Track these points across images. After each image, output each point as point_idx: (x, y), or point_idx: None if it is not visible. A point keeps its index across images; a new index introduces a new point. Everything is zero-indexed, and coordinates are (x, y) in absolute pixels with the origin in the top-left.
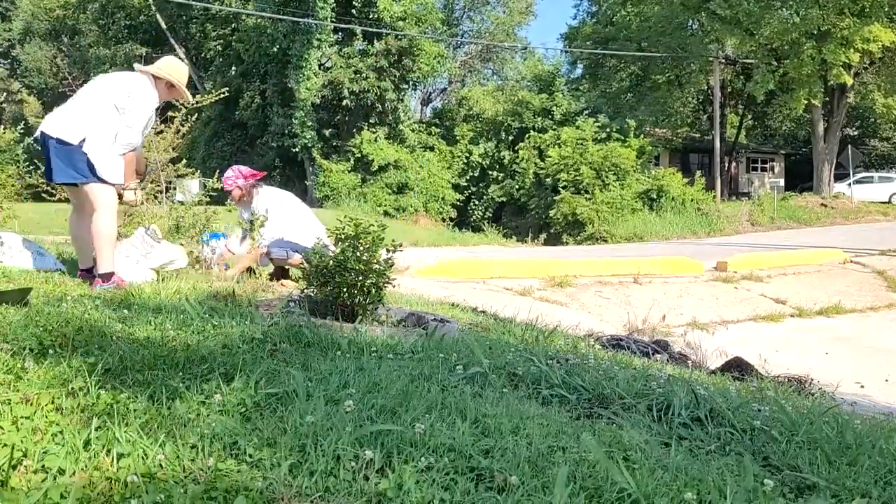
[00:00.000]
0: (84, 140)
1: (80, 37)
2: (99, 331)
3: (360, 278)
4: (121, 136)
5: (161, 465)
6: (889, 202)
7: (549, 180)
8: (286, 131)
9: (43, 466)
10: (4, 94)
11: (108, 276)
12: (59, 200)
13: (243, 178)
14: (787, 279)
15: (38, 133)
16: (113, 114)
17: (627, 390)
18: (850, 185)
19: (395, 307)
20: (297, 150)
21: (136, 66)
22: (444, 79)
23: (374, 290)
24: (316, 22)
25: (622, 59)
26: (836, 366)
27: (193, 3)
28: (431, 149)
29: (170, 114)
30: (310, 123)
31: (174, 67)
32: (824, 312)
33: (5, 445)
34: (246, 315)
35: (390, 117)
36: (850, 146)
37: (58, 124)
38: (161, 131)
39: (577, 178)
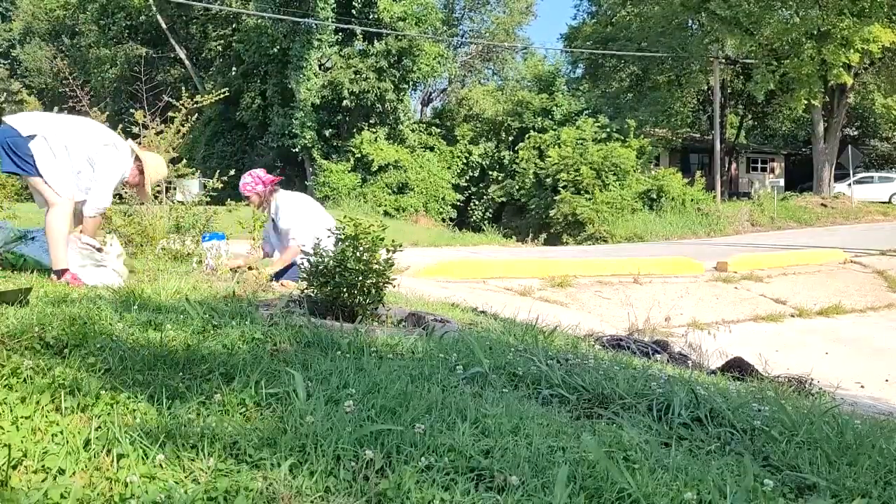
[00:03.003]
0: (34, 136)
1: (80, 37)
2: (99, 331)
3: (360, 278)
4: (82, 179)
5: (161, 465)
6: (889, 202)
7: (549, 180)
8: (286, 131)
9: (43, 466)
10: (4, 94)
11: (60, 273)
12: None
13: (262, 185)
14: (788, 279)
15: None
16: (81, 153)
17: (627, 390)
18: (850, 185)
19: (396, 307)
20: (297, 150)
21: (129, 141)
22: (444, 79)
23: (374, 290)
24: (316, 22)
25: (622, 59)
26: (836, 366)
27: (193, 3)
28: (431, 149)
29: (170, 114)
30: (310, 124)
31: (156, 166)
32: (824, 312)
33: (5, 445)
34: (246, 315)
35: (390, 117)
36: (850, 146)
37: (21, 119)
38: (161, 131)
39: (577, 178)
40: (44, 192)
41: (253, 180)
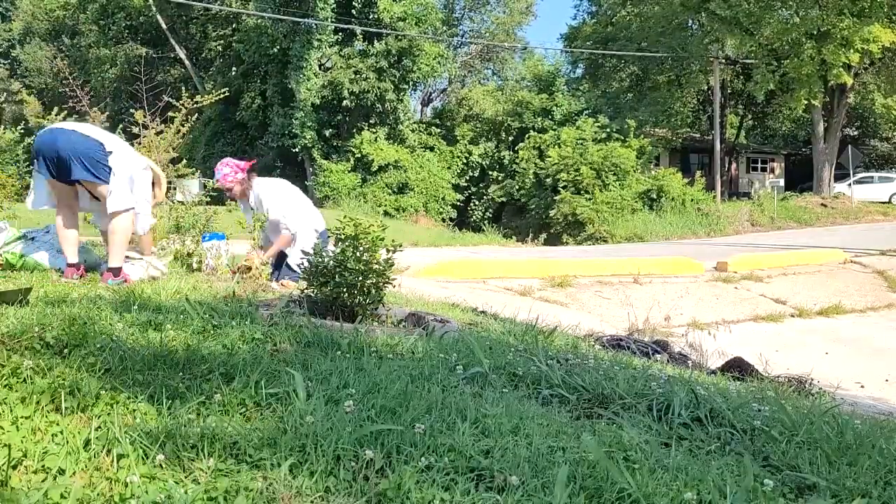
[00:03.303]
0: (112, 152)
1: (80, 37)
2: (99, 331)
3: (360, 278)
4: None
5: (161, 465)
6: (889, 202)
7: (549, 180)
8: (286, 131)
9: (43, 466)
10: (4, 94)
11: (117, 271)
12: None
13: (241, 171)
14: (788, 279)
15: (52, 128)
16: (128, 165)
17: (627, 390)
18: (850, 185)
19: (395, 307)
20: (297, 150)
21: (146, 159)
22: (444, 79)
23: (373, 291)
24: (316, 22)
25: (622, 59)
26: (836, 366)
27: (193, 3)
28: (431, 149)
29: (170, 114)
30: (310, 124)
31: (161, 174)
32: (824, 312)
33: (5, 445)
34: (246, 315)
35: (390, 117)
36: (850, 146)
37: (89, 128)
38: (161, 131)
39: (577, 178)
40: (111, 202)
41: (231, 169)
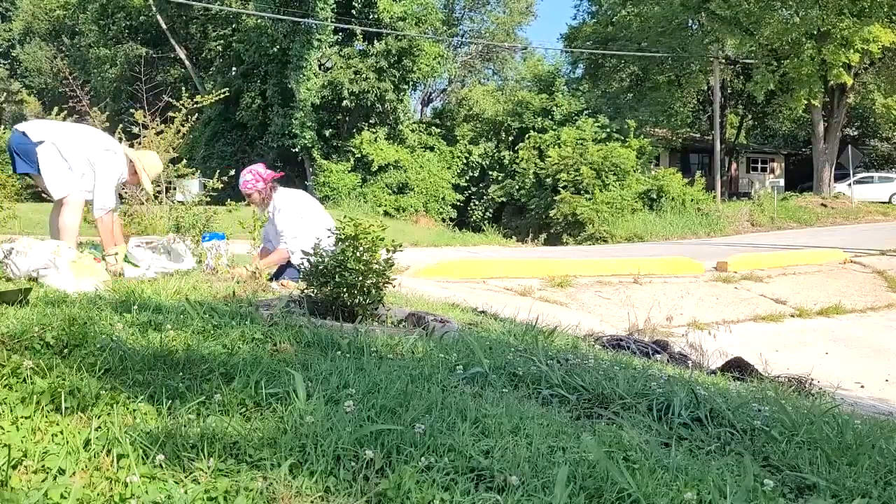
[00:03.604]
0: (42, 142)
1: (80, 37)
2: (99, 331)
3: (360, 278)
4: (85, 181)
5: (161, 465)
6: (889, 202)
7: (549, 180)
8: (286, 131)
9: (43, 466)
10: (4, 94)
11: None
12: None
13: (263, 182)
14: (788, 279)
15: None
16: (83, 158)
17: (627, 390)
18: (850, 185)
19: (395, 307)
20: (297, 150)
21: (123, 144)
22: (444, 79)
23: (373, 291)
24: (316, 22)
25: (622, 59)
26: (836, 366)
27: (193, 3)
28: (431, 149)
29: (170, 114)
30: (310, 124)
31: (152, 163)
32: (824, 312)
33: (5, 445)
34: (246, 315)
35: (390, 117)
36: (850, 146)
37: (31, 126)
38: (161, 131)
39: (577, 178)
40: (50, 191)
41: (253, 178)
